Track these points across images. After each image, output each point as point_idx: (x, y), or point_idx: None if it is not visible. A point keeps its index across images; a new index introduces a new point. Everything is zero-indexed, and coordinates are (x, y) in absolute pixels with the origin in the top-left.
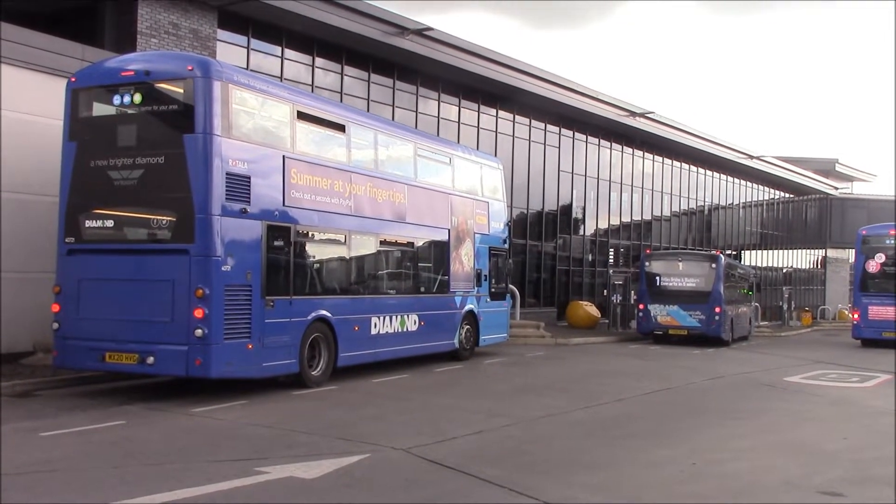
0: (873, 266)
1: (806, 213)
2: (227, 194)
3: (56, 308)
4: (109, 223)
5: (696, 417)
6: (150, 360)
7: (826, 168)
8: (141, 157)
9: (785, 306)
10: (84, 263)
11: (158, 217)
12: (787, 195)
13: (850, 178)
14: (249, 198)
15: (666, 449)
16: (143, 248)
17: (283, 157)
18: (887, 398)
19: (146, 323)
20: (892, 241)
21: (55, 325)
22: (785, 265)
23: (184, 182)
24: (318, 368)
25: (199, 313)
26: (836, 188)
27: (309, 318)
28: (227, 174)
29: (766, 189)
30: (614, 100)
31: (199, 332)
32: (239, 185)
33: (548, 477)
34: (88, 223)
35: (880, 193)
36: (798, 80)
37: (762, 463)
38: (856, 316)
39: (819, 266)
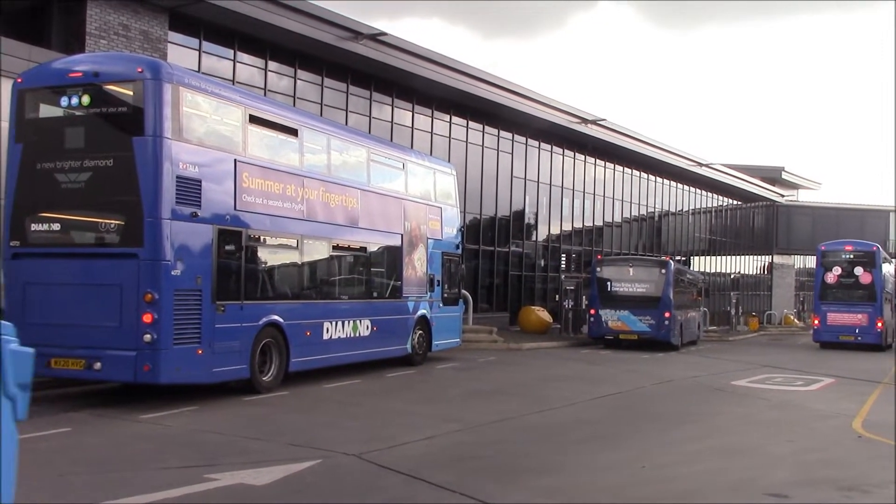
0: (831, 278)
1: (753, 219)
2: (177, 198)
3: None
4: (56, 226)
5: (646, 421)
6: (97, 365)
7: (772, 176)
8: (89, 160)
9: (733, 311)
10: (30, 267)
11: (107, 220)
12: (734, 202)
13: (795, 186)
14: (200, 202)
15: (616, 453)
16: (91, 252)
17: (235, 160)
18: (830, 401)
19: (94, 328)
20: (848, 256)
21: None
22: (732, 271)
23: (133, 185)
24: (270, 374)
25: (147, 318)
26: (783, 196)
27: (260, 323)
28: (177, 178)
29: (715, 196)
30: (566, 107)
31: (147, 337)
32: (189, 189)
33: (499, 482)
34: (34, 227)
35: (825, 201)
36: (746, 89)
37: (710, 466)
38: (816, 321)
39: (766, 272)
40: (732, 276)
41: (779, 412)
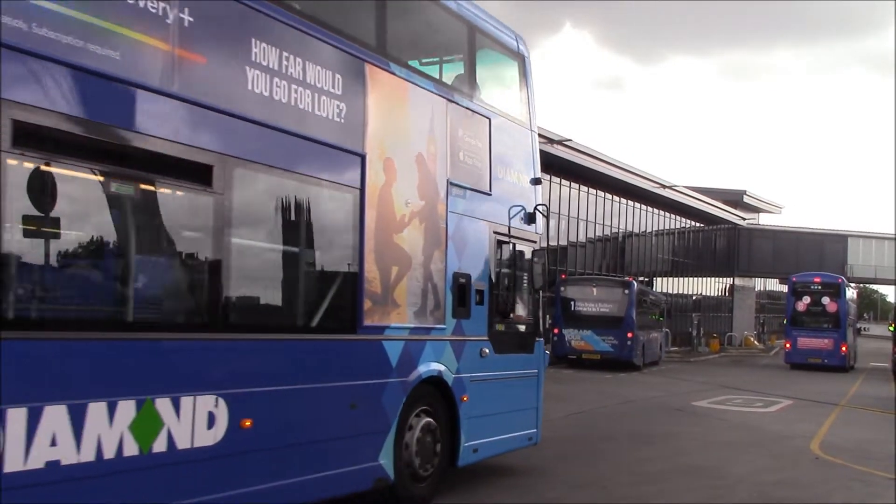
0: (801, 306)
1: (715, 242)
2: None
3: None
4: None
5: (607, 441)
6: None
7: (734, 199)
8: None
9: (694, 332)
10: None
11: None
12: (697, 224)
13: (757, 210)
14: None
15: (578, 471)
16: None
17: None
18: (788, 422)
19: None
20: (817, 287)
21: None
22: (694, 292)
23: None
24: None
25: None
26: (744, 219)
27: None
28: None
29: (678, 218)
30: None
31: None
32: None
33: None
34: None
35: (785, 225)
36: (708, 114)
37: (670, 486)
38: (787, 345)
39: (727, 294)
40: (694, 298)
41: (738, 433)
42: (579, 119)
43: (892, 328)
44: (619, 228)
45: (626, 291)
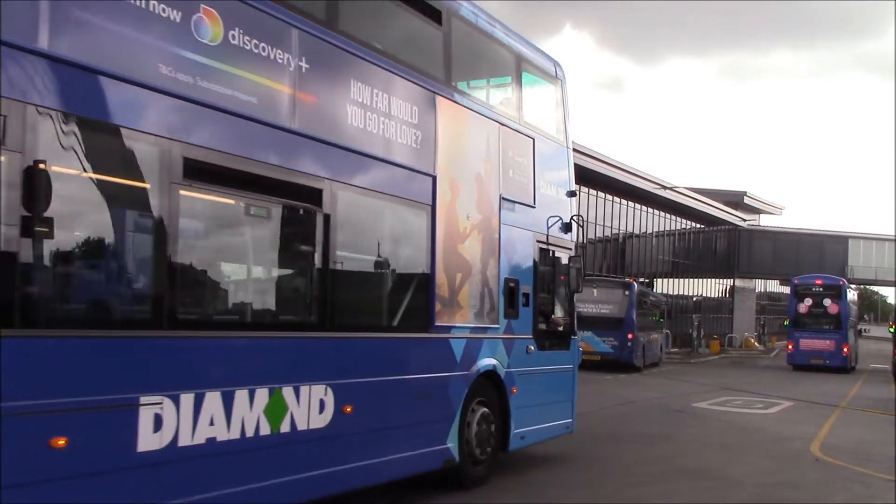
0: (803, 308)
1: (715, 243)
2: None
3: None
4: None
5: (607, 442)
6: None
7: (735, 200)
8: None
9: (694, 334)
10: None
11: None
12: (697, 226)
13: (757, 211)
14: None
15: (579, 473)
16: None
17: None
18: (789, 424)
19: None
20: (818, 289)
21: None
22: (695, 294)
23: None
24: None
25: None
26: (745, 220)
27: None
28: None
29: (678, 219)
30: None
31: None
32: None
33: None
34: None
35: (786, 226)
36: (709, 115)
37: (670, 487)
38: (790, 346)
39: (727, 295)
40: (694, 299)
41: (738, 434)
42: (579, 120)
43: (892, 329)
44: (619, 229)
45: (627, 292)
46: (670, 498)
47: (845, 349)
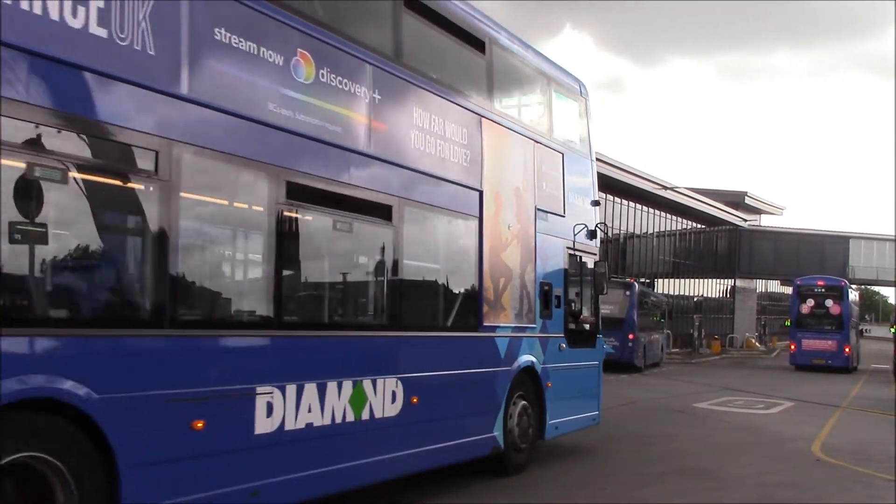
0: (805, 308)
1: (716, 243)
2: None
3: None
4: None
5: (607, 442)
6: None
7: (735, 200)
8: None
9: (695, 334)
10: None
11: None
12: (698, 226)
13: (758, 211)
14: None
15: (580, 473)
16: None
17: None
18: (790, 424)
19: None
20: (820, 290)
21: None
22: (695, 294)
23: None
24: None
25: None
26: (745, 220)
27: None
28: None
29: (679, 219)
30: None
31: None
32: None
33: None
34: None
35: (786, 226)
36: (710, 115)
37: (670, 487)
38: (793, 346)
39: (728, 295)
40: (695, 299)
41: (739, 435)
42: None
43: (892, 330)
44: (619, 230)
45: (628, 293)
46: (671, 498)
47: (847, 349)
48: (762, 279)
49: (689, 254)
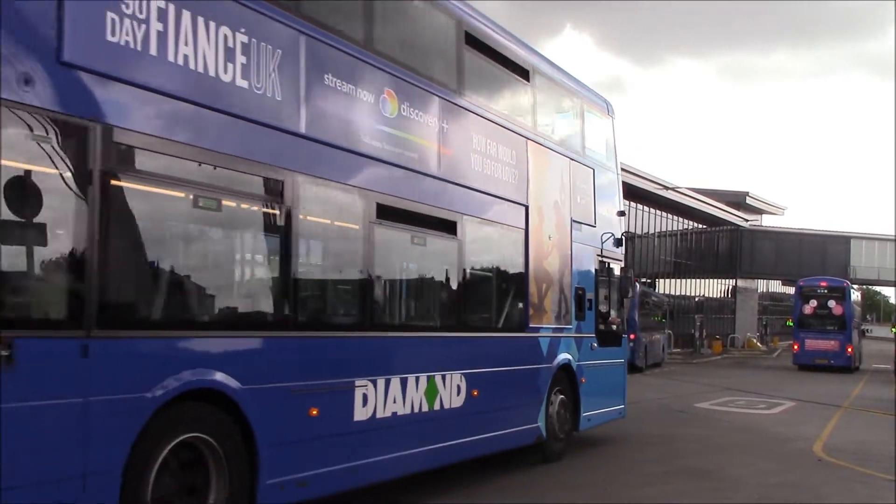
0: (808, 309)
1: (717, 243)
2: None
3: None
4: None
5: (608, 442)
6: None
7: (737, 200)
8: None
9: (697, 334)
10: None
11: None
12: (699, 226)
13: (759, 211)
14: None
15: (581, 473)
16: None
17: None
18: (791, 424)
19: None
20: (823, 291)
21: None
22: (697, 294)
23: None
24: None
25: None
26: (747, 220)
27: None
28: None
29: (680, 219)
30: None
31: None
32: None
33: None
34: None
35: (788, 226)
36: (711, 115)
37: (671, 488)
38: (796, 346)
39: (729, 295)
40: (697, 299)
41: (740, 435)
42: None
43: (894, 330)
44: (621, 230)
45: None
46: (672, 498)
47: (849, 349)
48: (763, 279)
49: (690, 254)
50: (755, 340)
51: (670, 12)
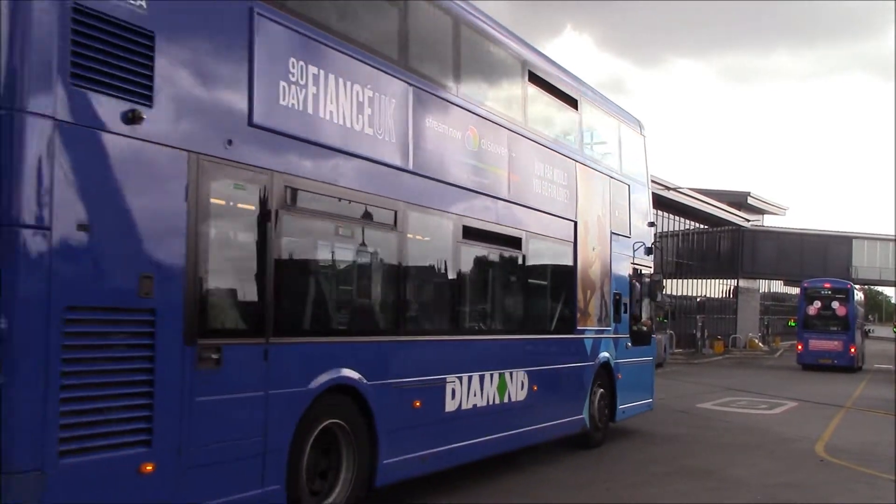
0: (812, 310)
1: (719, 243)
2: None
3: None
4: None
5: (610, 442)
6: None
7: (738, 200)
8: None
9: (698, 334)
10: None
11: None
12: (701, 226)
13: (761, 211)
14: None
15: (583, 472)
16: None
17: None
18: (793, 425)
19: None
20: (827, 292)
21: None
22: (698, 294)
23: None
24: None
25: None
26: (748, 220)
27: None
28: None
29: (682, 220)
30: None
31: None
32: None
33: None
34: None
35: (790, 226)
36: (713, 115)
37: (673, 488)
38: (800, 347)
39: (731, 296)
40: (698, 300)
41: (742, 435)
42: None
43: (895, 330)
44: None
45: None
46: (674, 498)
47: (853, 349)
48: (765, 279)
49: (691, 254)
50: (757, 341)
51: (671, 13)
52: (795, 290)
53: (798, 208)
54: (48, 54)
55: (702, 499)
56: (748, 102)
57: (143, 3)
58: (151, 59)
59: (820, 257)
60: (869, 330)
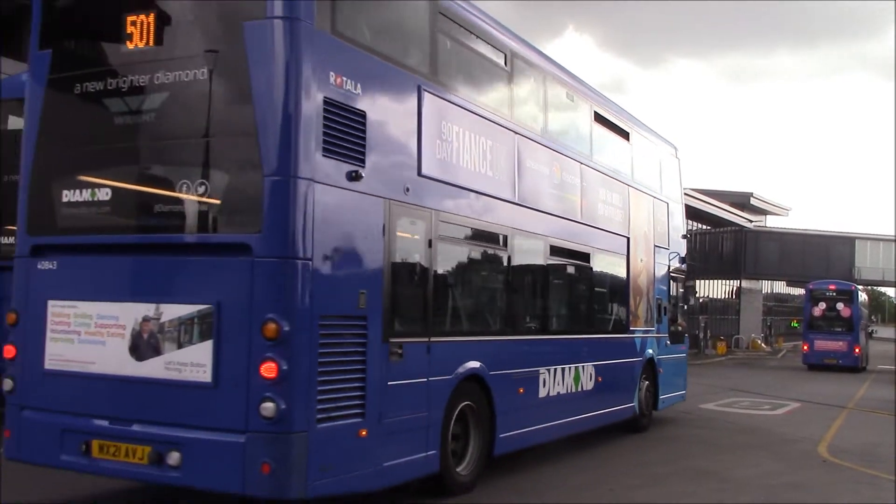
0: (817, 311)
1: (722, 244)
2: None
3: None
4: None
5: (612, 443)
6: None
7: (741, 201)
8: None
9: (701, 335)
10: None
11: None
12: (704, 227)
13: (764, 212)
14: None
15: (586, 474)
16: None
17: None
18: (796, 425)
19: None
20: (832, 294)
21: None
22: (701, 295)
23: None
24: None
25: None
26: (751, 221)
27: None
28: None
29: (685, 220)
30: None
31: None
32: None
33: None
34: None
35: (792, 227)
36: (714, 117)
37: (676, 489)
38: (805, 347)
39: (733, 296)
40: (701, 300)
41: (745, 436)
42: None
43: None
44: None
45: None
46: (677, 499)
47: (857, 350)
48: (768, 280)
49: (694, 255)
50: (759, 341)
51: (671, 13)
52: (798, 291)
53: (801, 209)
54: (312, 135)
55: (704, 499)
56: (750, 103)
57: (359, 88)
58: (364, 130)
59: (823, 258)
60: (872, 331)
